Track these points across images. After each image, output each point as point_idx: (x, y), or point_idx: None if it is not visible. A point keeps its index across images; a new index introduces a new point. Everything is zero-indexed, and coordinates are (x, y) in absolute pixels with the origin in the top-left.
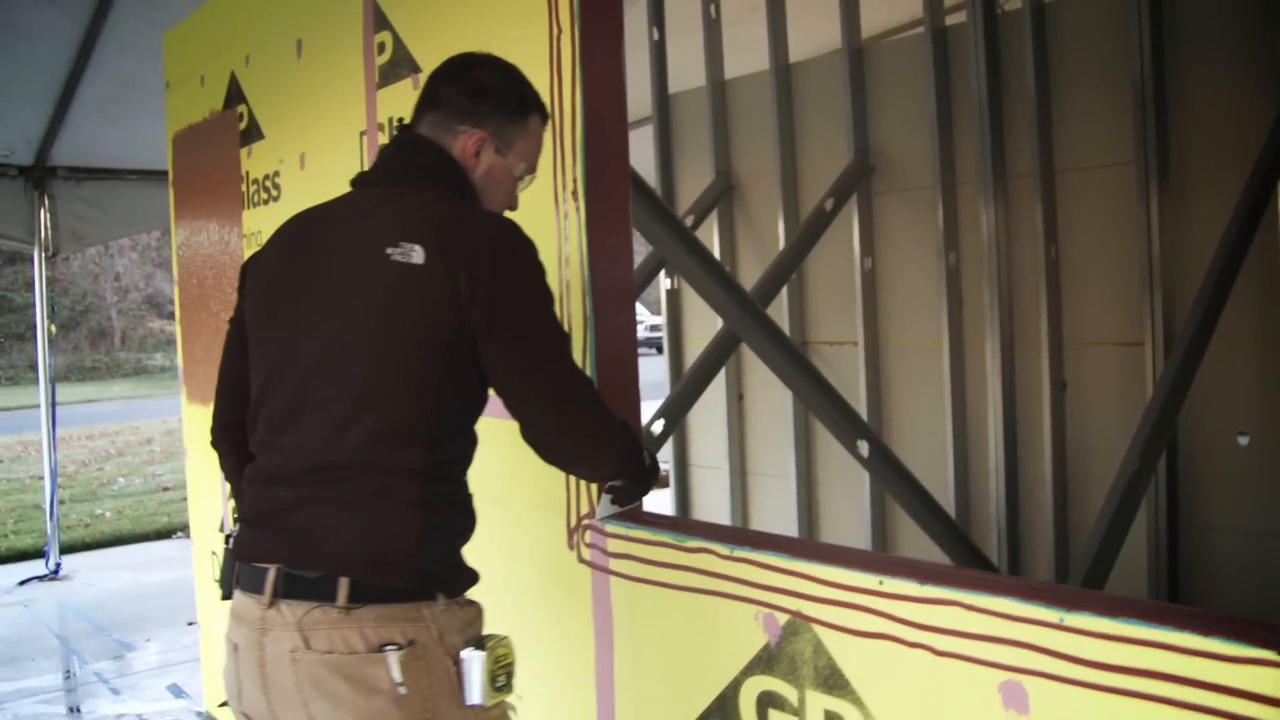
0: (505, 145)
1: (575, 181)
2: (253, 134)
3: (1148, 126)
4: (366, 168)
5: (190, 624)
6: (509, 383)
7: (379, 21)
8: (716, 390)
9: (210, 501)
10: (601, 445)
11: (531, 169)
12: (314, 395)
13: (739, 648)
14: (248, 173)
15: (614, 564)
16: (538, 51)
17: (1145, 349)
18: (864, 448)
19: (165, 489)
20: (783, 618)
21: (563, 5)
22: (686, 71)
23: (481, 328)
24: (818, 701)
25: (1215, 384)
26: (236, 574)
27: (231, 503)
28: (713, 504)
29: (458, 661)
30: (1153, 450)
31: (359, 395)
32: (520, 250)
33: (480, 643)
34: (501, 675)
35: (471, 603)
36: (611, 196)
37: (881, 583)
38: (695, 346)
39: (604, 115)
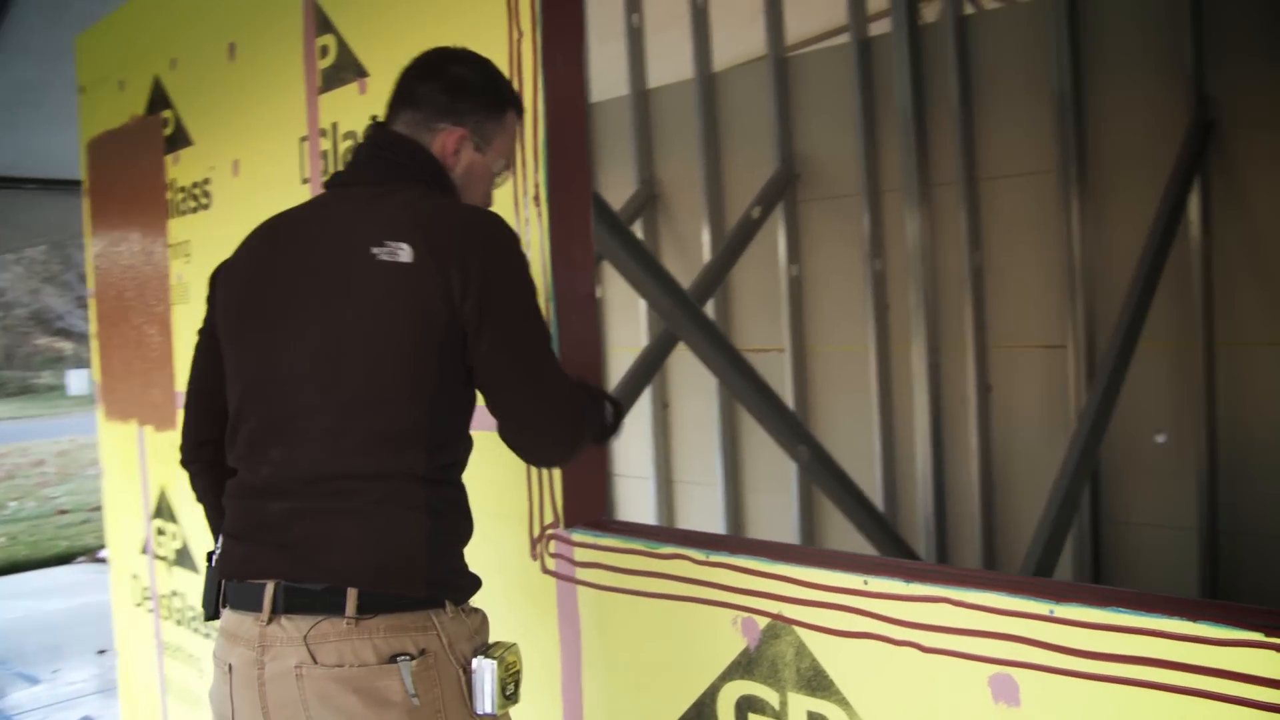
0: (484, 142)
1: (537, 186)
2: (179, 140)
3: (1068, 136)
4: (310, 172)
5: (101, 652)
6: (497, 377)
7: (321, 24)
8: (641, 399)
9: (130, 523)
10: (579, 440)
11: (509, 165)
12: (304, 405)
13: (716, 653)
14: (174, 180)
15: (581, 573)
16: (497, 55)
17: (1068, 352)
18: (803, 453)
19: (62, 512)
20: (762, 621)
21: (524, 8)
22: (609, 80)
23: (472, 323)
24: (800, 704)
25: (1134, 384)
26: (224, 592)
27: (206, 522)
28: (638, 513)
29: (467, 670)
30: (1090, 449)
31: (354, 401)
32: (508, 243)
33: (490, 650)
34: (510, 683)
35: (477, 610)
36: (573, 201)
37: (866, 582)
38: (619, 355)
39: (566, 119)
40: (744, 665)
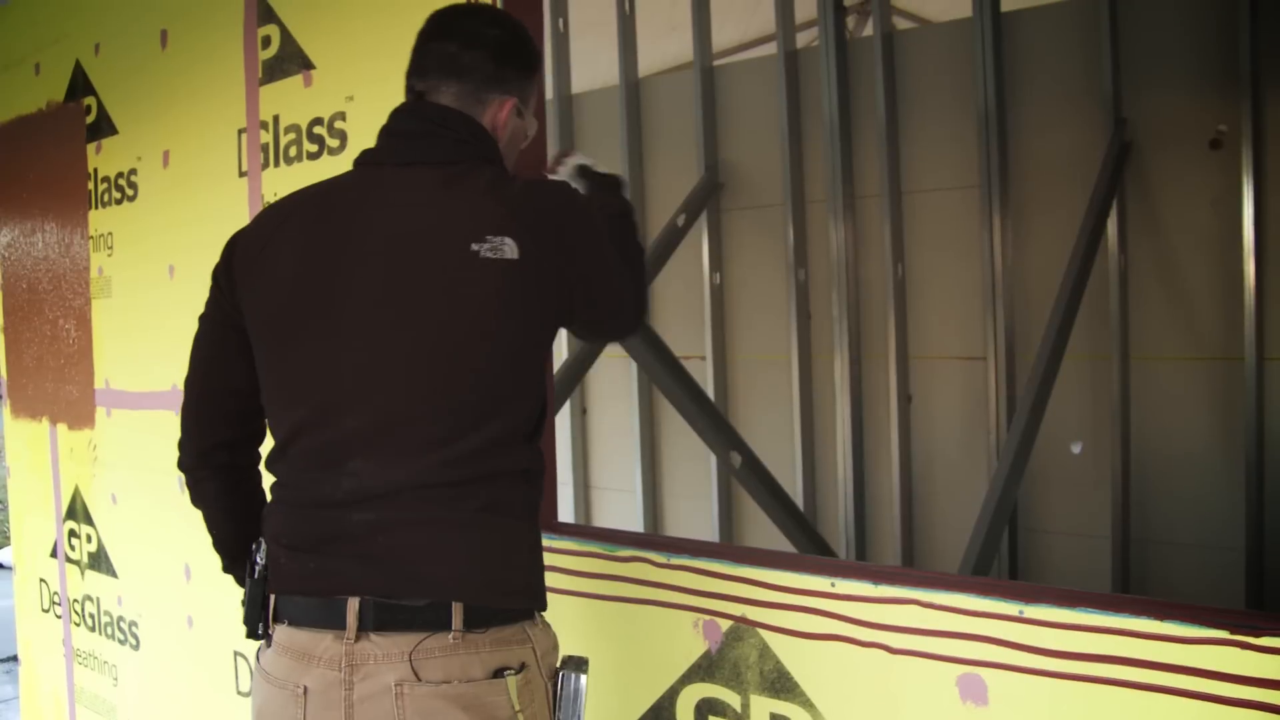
0: (526, 107)
1: None
2: (103, 128)
3: (991, 153)
4: (248, 165)
5: None
6: (603, 317)
7: (264, 14)
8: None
9: (39, 525)
10: (645, 298)
11: (539, 126)
12: (400, 413)
13: (676, 656)
14: (96, 170)
15: None
16: None
17: (988, 363)
18: (736, 458)
19: None
20: (725, 624)
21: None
22: None
23: (581, 302)
24: (763, 706)
25: (1052, 395)
26: (278, 607)
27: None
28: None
29: (553, 682)
30: (1021, 458)
31: (464, 407)
32: (585, 210)
33: (580, 664)
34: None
35: (547, 621)
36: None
37: (834, 584)
38: None
39: None
40: (705, 668)
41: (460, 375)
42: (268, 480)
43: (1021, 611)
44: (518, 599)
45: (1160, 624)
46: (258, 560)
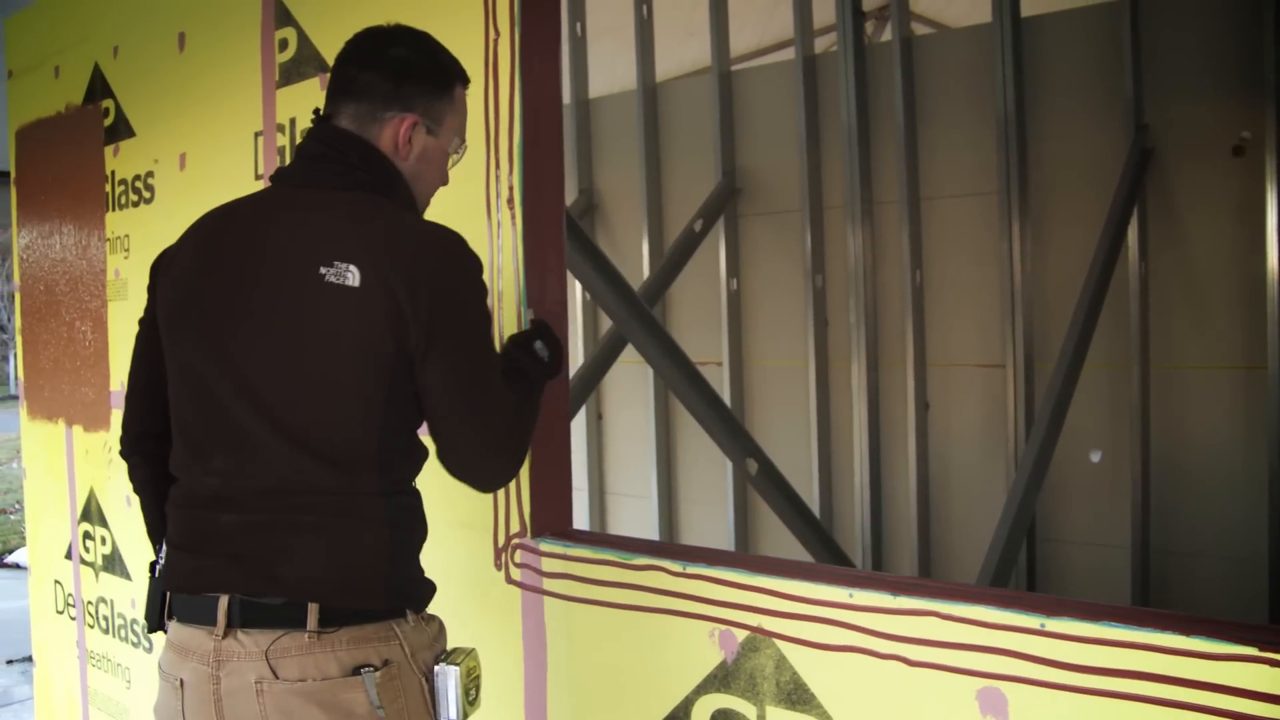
0: (436, 124)
1: (512, 189)
2: (120, 131)
3: (1010, 159)
4: (265, 168)
5: (9, 662)
6: (442, 404)
7: (281, 17)
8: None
9: (55, 526)
10: (516, 463)
11: (463, 141)
12: (254, 419)
13: (691, 666)
14: (113, 172)
15: (549, 584)
16: (473, 57)
17: (1006, 371)
18: (752, 466)
19: None
20: (741, 634)
21: (501, 8)
22: None
23: (420, 351)
24: (779, 717)
25: (1071, 403)
26: (170, 604)
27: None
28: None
29: (429, 678)
30: (1041, 467)
31: (306, 422)
32: (460, 268)
33: (450, 657)
34: (472, 688)
35: (434, 617)
36: (548, 205)
37: (851, 595)
38: None
39: (542, 122)
40: (721, 678)
41: (299, 391)
42: None
43: (1043, 625)
44: (378, 600)
45: (1186, 639)
46: (158, 560)
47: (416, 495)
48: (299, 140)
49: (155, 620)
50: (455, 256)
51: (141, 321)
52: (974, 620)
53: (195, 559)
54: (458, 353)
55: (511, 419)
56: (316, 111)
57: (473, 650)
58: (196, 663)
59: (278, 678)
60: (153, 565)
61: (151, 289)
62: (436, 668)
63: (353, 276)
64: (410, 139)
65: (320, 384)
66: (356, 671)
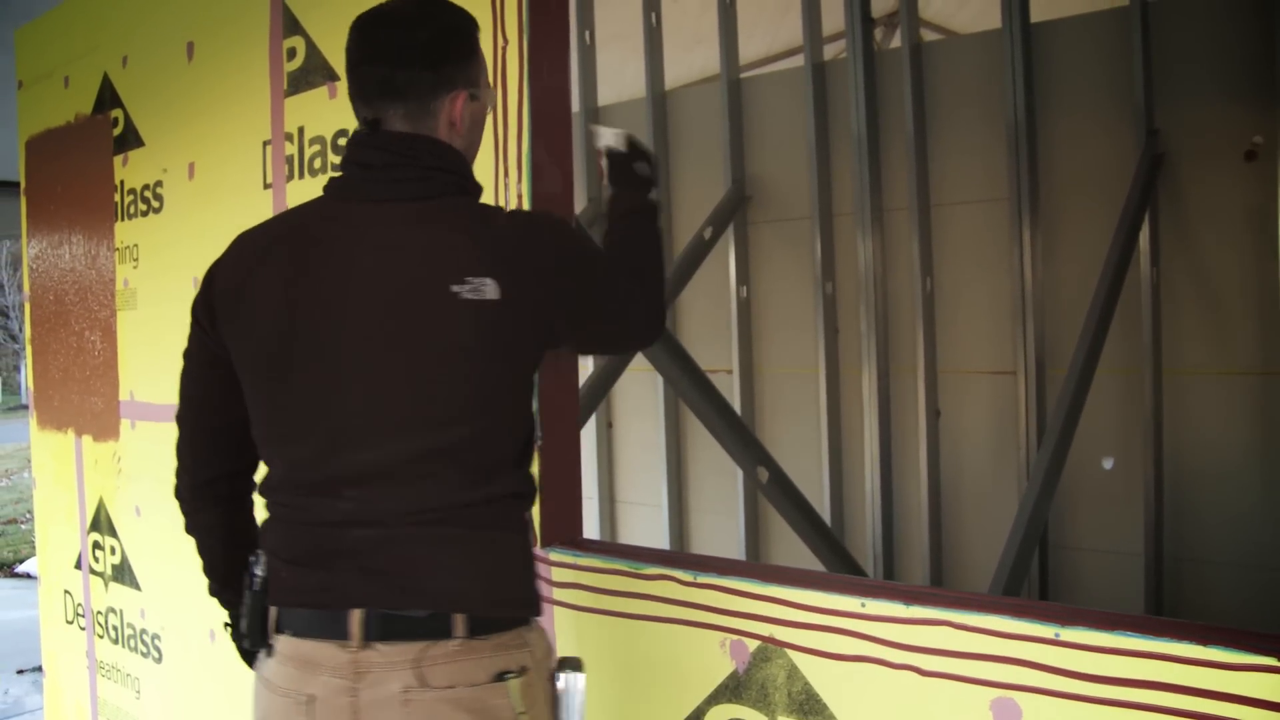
0: (476, 87)
1: (520, 198)
2: (129, 141)
3: (1020, 165)
4: (273, 177)
5: (20, 672)
6: (610, 346)
7: (290, 26)
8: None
9: (64, 536)
10: (662, 297)
11: (492, 90)
12: (394, 450)
13: (703, 676)
14: (122, 182)
15: (558, 594)
16: None
17: (1017, 377)
18: (763, 474)
19: None
20: (753, 644)
21: (509, 16)
22: None
23: (565, 333)
24: None
25: (1083, 409)
26: (279, 620)
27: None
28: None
29: (553, 683)
30: (1053, 474)
31: (455, 442)
32: (573, 241)
33: (575, 664)
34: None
35: (541, 626)
36: (557, 212)
37: (864, 605)
38: None
39: (551, 130)
40: (732, 688)
41: (449, 413)
42: (260, 501)
43: (1057, 634)
44: (515, 608)
45: (1202, 649)
46: (257, 573)
47: (534, 494)
48: (347, 151)
49: (259, 637)
50: (563, 233)
51: (193, 358)
52: (987, 630)
53: (322, 574)
54: (595, 311)
55: (653, 281)
56: (367, 121)
57: (581, 660)
58: (329, 676)
59: (427, 686)
60: (250, 580)
61: (210, 324)
62: (564, 675)
63: (490, 289)
64: (462, 114)
65: (469, 400)
66: (500, 678)
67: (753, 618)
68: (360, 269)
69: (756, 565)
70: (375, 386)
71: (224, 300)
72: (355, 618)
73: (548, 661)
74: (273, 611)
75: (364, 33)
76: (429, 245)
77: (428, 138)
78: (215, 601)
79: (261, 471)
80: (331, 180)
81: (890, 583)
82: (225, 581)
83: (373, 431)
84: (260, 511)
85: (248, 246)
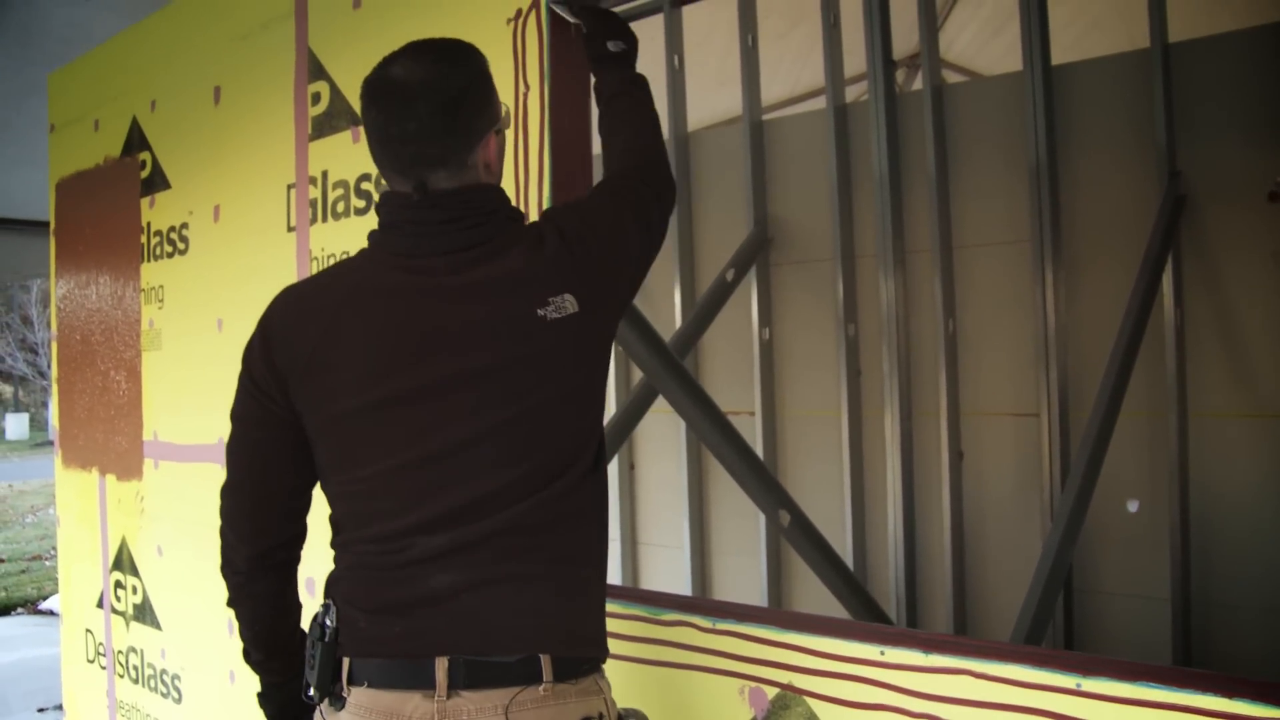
0: (498, 121)
1: None
2: (156, 183)
3: (1043, 207)
4: (297, 220)
5: (41, 710)
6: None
7: (315, 71)
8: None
9: (86, 575)
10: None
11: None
12: (487, 490)
13: None
14: (149, 224)
15: None
16: None
17: (1041, 419)
18: (785, 517)
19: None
20: (771, 691)
21: (530, 62)
22: None
23: (624, 303)
24: None
25: (1107, 452)
26: (351, 671)
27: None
28: None
29: None
30: (1077, 518)
31: (544, 465)
32: (588, 207)
33: (640, 716)
34: None
35: None
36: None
37: (883, 653)
38: None
39: (572, 175)
40: None
41: (542, 435)
42: (327, 553)
43: (1079, 684)
44: (595, 648)
45: (1229, 702)
46: (328, 623)
47: (607, 514)
48: (394, 211)
49: (329, 687)
50: (595, 213)
51: (251, 422)
52: (1009, 680)
53: (402, 622)
54: (635, 254)
55: (654, 138)
56: (417, 185)
57: (644, 713)
58: None
59: None
60: (322, 631)
61: (277, 387)
62: None
63: (570, 303)
64: (495, 153)
65: (558, 425)
66: None
67: (772, 665)
68: (444, 314)
69: (775, 611)
70: (475, 422)
71: (295, 363)
72: (442, 666)
73: (614, 709)
74: (345, 663)
75: (381, 106)
76: (506, 278)
77: (472, 187)
78: (254, 672)
79: (331, 532)
80: (382, 237)
81: (910, 630)
82: (272, 652)
83: (471, 468)
84: (329, 564)
85: (310, 304)
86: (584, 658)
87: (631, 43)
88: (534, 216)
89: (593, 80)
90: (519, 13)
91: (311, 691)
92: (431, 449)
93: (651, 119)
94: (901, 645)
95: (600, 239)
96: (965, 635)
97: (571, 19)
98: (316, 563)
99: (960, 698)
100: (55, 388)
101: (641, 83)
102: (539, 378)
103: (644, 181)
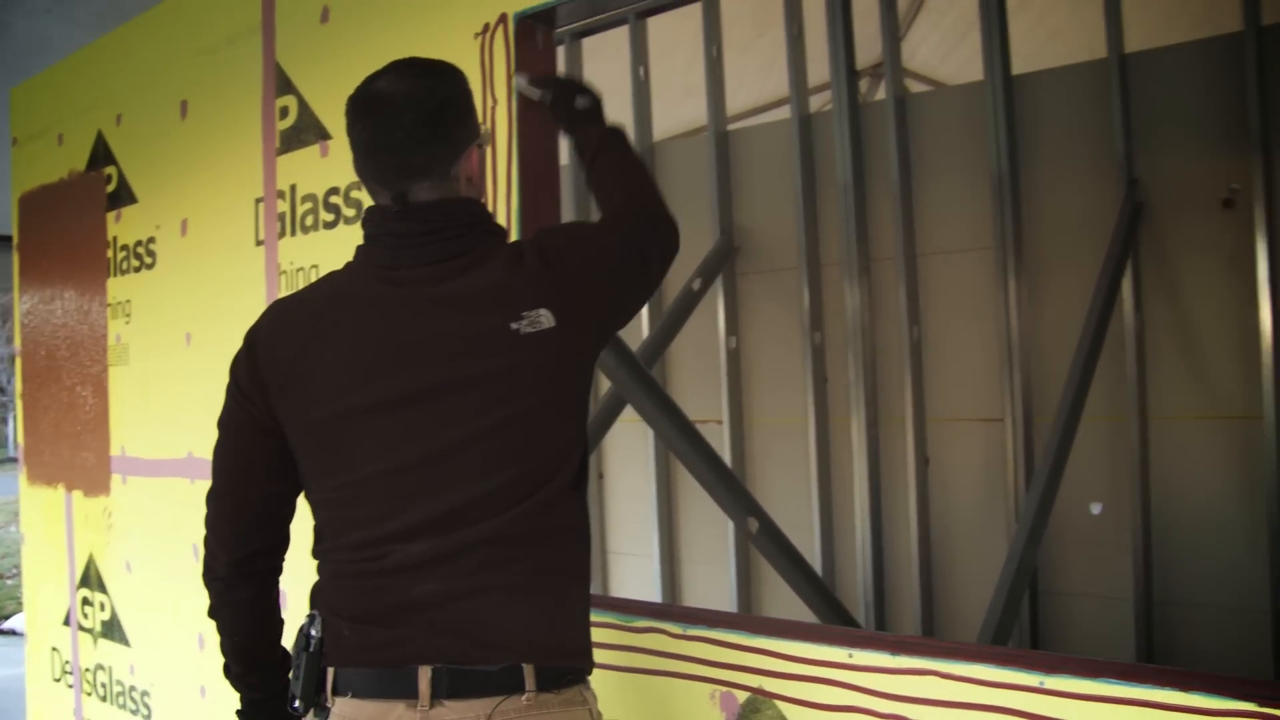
0: (478, 136)
1: None
2: (123, 197)
3: (1005, 214)
4: (265, 234)
5: None
6: (647, 280)
7: (282, 85)
8: None
9: (53, 592)
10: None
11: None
12: (465, 497)
13: None
14: (115, 238)
15: None
16: None
17: (1005, 425)
18: (753, 524)
19: None
20: (742, 695)
21: (498, 76)
22: None
23: (604, 325)
24: None
25: (1070, 456)
26: (336, 681)
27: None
28: None
29: None
30: (1040, 521)
31: (524, 475)
32: (592, 240)
33: None
34: None
35: None
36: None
37: (851, 655)
38: None
39: (539, 188)
40: None
41: (520, 447)
42: (310, 563)
43: (1042, 683)
44: (579, 658)
45: (1185, 695)
46: (312, 633)
47: (589, 531)
48: (377, 224)
49: (313, 698)
50: (583, 236)
51: (234, 429)
52: (974, 679)
53: (388, 631)
54: (620, 284)
55: (650, 194)
56: (397, 196)
57: None
58: None
59: None
60: (307, 641)
61: (260, 395)
62: None
63: (546, 318)
64: (477, 166)
65: (536, 435)
66: None
67: (742, 669)
68: (421, 325)
69: (745, 617)
70: (450, 432)
71: (277, 371)
72: (425, 675)
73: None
74: (329, 673)
75: (366, 119)
76: (482, 291)
77: (454, 200)
78: (234, 687)
79: (313, 539)
80: (366, 250)
81: (877, 633)
82: (251, 664)
83: (447, 478)
84: (311, 574)
85: (293, 316)
86: (568, 668)
87: (597, 97)
88: (501, 221)
89: (569, 142)
90: (486, 27)
91: (297, 703)
92: (407, 457)
93: (639, 168)
94: (869, 648)
95: (582, 258)
96: (933, 637)
97: (537, 94)
98: (291, 578)
99: (927, 698)
100: (19, 403)
101: (620, 133)
102: (513, 390)
103: (642, 219)
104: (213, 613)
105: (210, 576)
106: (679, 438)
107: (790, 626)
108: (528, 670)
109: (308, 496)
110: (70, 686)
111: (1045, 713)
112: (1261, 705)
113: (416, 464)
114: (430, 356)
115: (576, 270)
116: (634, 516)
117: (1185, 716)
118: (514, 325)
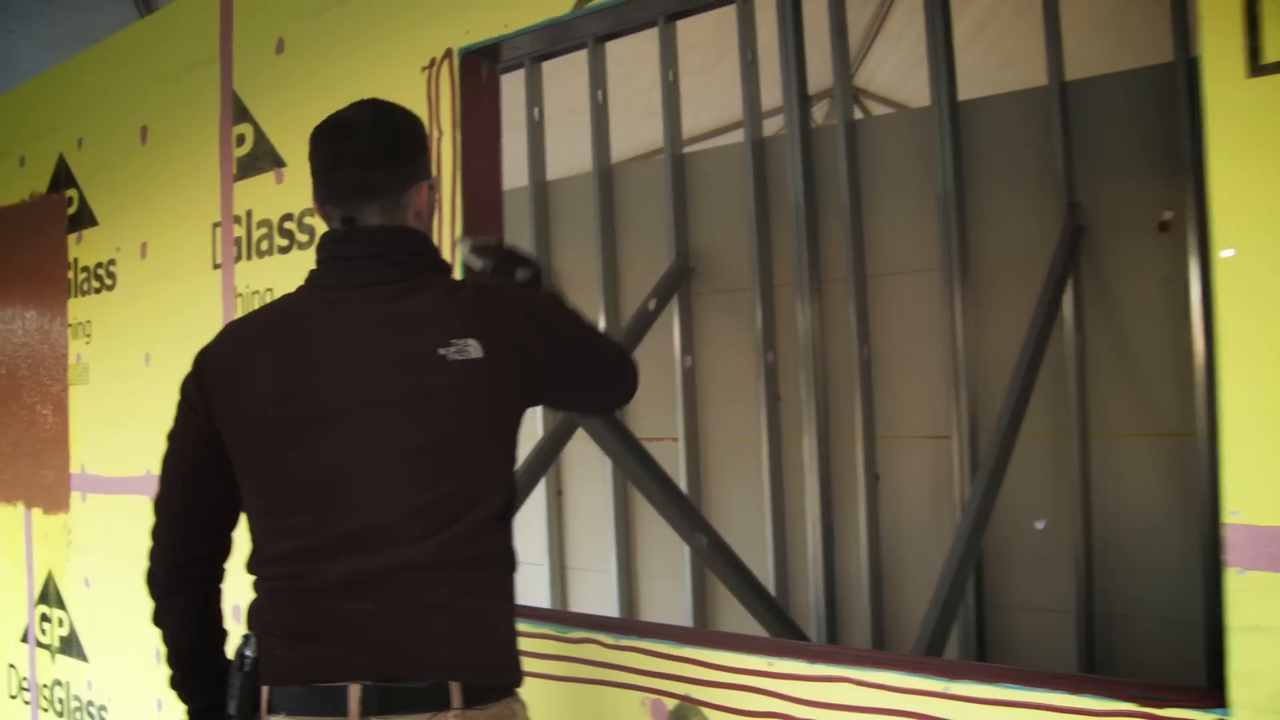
0: (430, 177)
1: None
2: (84, 220)
3: (951, 236)
4: (222, 258)
5: None
6: (579, 403)
7: (239, 113)
8: (536, 487)
9: (10, 609)
10: (632, 369)
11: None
12: (390, 512)
13: None
14: (76, 260)
15: None
16: None
17: (953, 441)
18: (700, 540)
19: None
20: (671, 703)
21: (444, 108)
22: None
23: (546, 385)
24: None
25: (1013, 473)
26: (270, 700)
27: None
28: (531, 599)
29: None
30: (975, 537)
31: (448, 499)
32: (548, 304)
33: None
34: None
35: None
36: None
37: (771, 664)
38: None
39: (483, 214)
40: None
41: (442, 471)
42: (246, 579)
43: (946, 688)
44: (506, 674)
45: (1075, 698)
46: (247, 654)
47: (516, 558)
48: (326, 248)
49: (249, 716)
50: (538, 299)
51: (180, 438)
52: (883, 685)
53: (318, 648)
54: (575, 363)
55: (617, 360)
56: (346, 219)
57: None
58: None
59: None
60: (241, 659)
61: (203, 406)
62: None
63: (474, 348)
64: (427, 203)
65: (464, 454)
66: None
67: (671, 678)
68: (351, 342)
69: (675, 628)
70: (372, 450)
71: (217, 382)
72: (354, 693)
73: None
74: (264, 692)
75: (329, 142)
76: (414, 315)
77: (401, 228)
78: (177, 697)
79: (247, 551)
80: (314, 272)
81: (797, 642)
82: (191, 673)
83: (369, 494)
84: (249, 591)
85: (238, 332)
86: (494, 684)
87: (539, 269)
88: (446, 255)
89: None
90: (433, 61)
91: None
92: (330, 470)
93: (587, 327)
94: (787, 656)
95: (520, 303)
96: (884, 650)
97: (479, 264)
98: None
99: (840, 703)
100: None
101: (560, 297)
102: (434, 414)
103: (617, 351)
104: (155, 619)
105: (151, 582)
106: (627, 456)
107: (716, 637)
108: (454, 687)
109: (244, 506)
110: (27, 703)
111: (950, 716)
112: (1142, 705)
113: (337, 478)
114: (358, 373)
115: (511, 312)
116: (592, 532)
117: (1077, 717)
118: (441, 350)
